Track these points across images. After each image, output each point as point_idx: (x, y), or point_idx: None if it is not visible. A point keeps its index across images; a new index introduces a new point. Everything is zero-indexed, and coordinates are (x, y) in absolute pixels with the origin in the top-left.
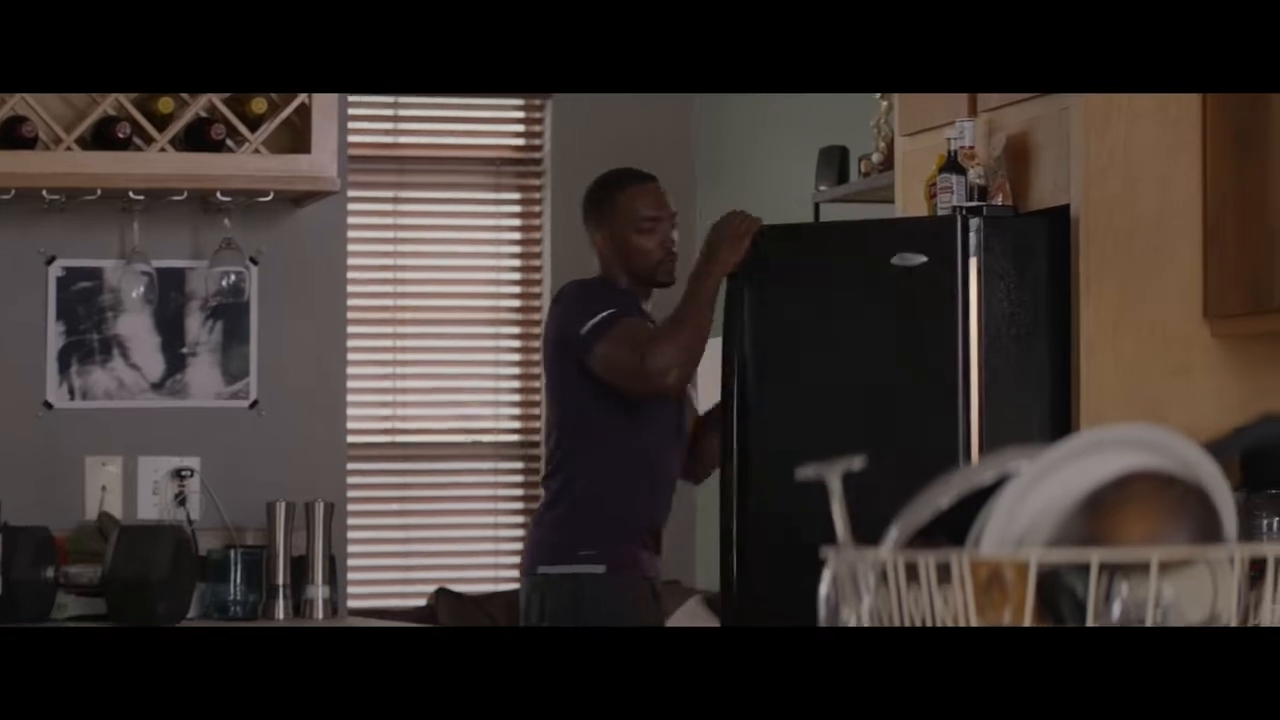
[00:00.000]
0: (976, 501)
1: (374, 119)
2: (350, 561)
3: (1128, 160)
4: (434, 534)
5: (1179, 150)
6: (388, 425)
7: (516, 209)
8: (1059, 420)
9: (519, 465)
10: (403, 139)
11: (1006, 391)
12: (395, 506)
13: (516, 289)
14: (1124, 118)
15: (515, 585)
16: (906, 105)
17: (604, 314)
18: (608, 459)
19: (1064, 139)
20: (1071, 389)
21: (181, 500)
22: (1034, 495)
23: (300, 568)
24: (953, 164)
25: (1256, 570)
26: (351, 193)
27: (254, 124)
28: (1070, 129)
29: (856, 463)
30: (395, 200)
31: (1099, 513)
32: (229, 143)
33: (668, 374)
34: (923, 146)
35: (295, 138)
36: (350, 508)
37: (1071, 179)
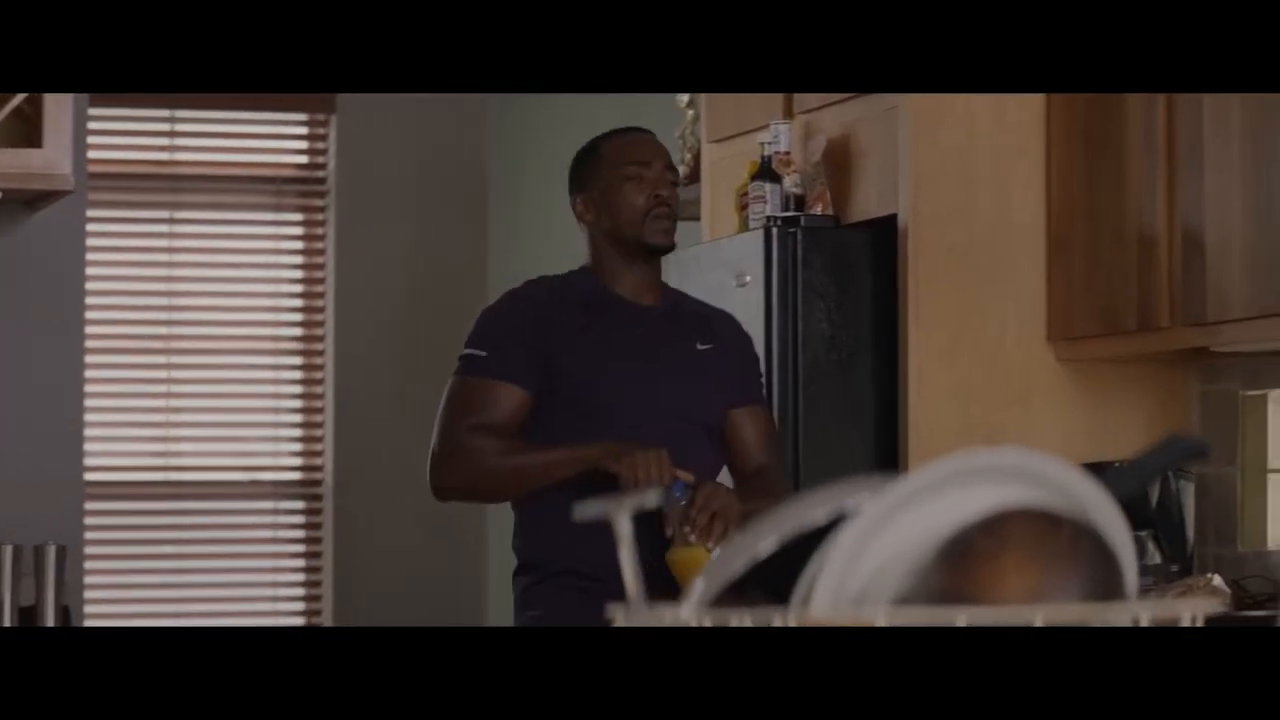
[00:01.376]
0: (805, 547)
1: (150, 134)
2: (115, 609)
3: (962, 166)
4: (209, 577)
5: (1020, 154)
6: (161, 462)
7: (299, 230)
8: (884, 454)
9: (300, 505)
10: (180, 155)
11: (825, 422)
12: (171, 549)
13: (298, 316)
14: (958, 119)
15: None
16: (714, 108)
17: (468, 350)
18: None
19: (890, 142)
20: (899, 419)
21: None
22: (880, 540)
23: (28, 619)
24: (766, 171)
25: None
26: (126, 213)
27: None
28: (898, 131)
29: (651, 498)
30: (171, 220)
31: (965, 562)
32: None
33: (441, 491)
34: (733, 154)
35: (29, 131)
36: (119, 550)
37: (899, 186)
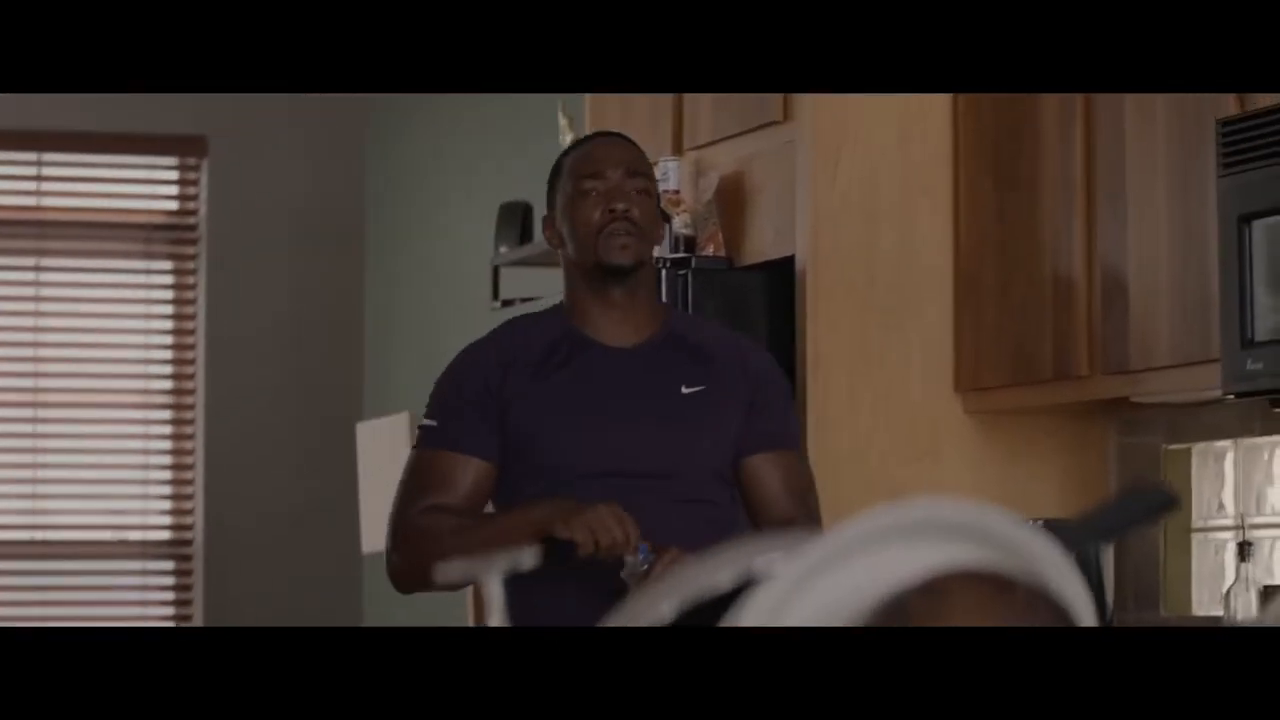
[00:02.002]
0: (708, 614)
1: (15, 178)
2: None
3: (864, 203)
4: None
5: (925, 191)
6: (26, 520)
7: (169, 279)
8: None
9: (169, 565)
10: (46, 200)
11: None
12: (35, 611)
13: (168, 368)
14: (859, 152)
15: None
16: None
17: (424, 421)
18: None
19: (787, 178)
20: None
21: None
22: (797, 607)
23: None
24: None
25: None
26: None
27: None
28: (795, 167)
29: (527, 559)
30: (37, 269)
31: None
32: None
33: (398, 582)
34: None
35: None
36: None
37: (796, 225)
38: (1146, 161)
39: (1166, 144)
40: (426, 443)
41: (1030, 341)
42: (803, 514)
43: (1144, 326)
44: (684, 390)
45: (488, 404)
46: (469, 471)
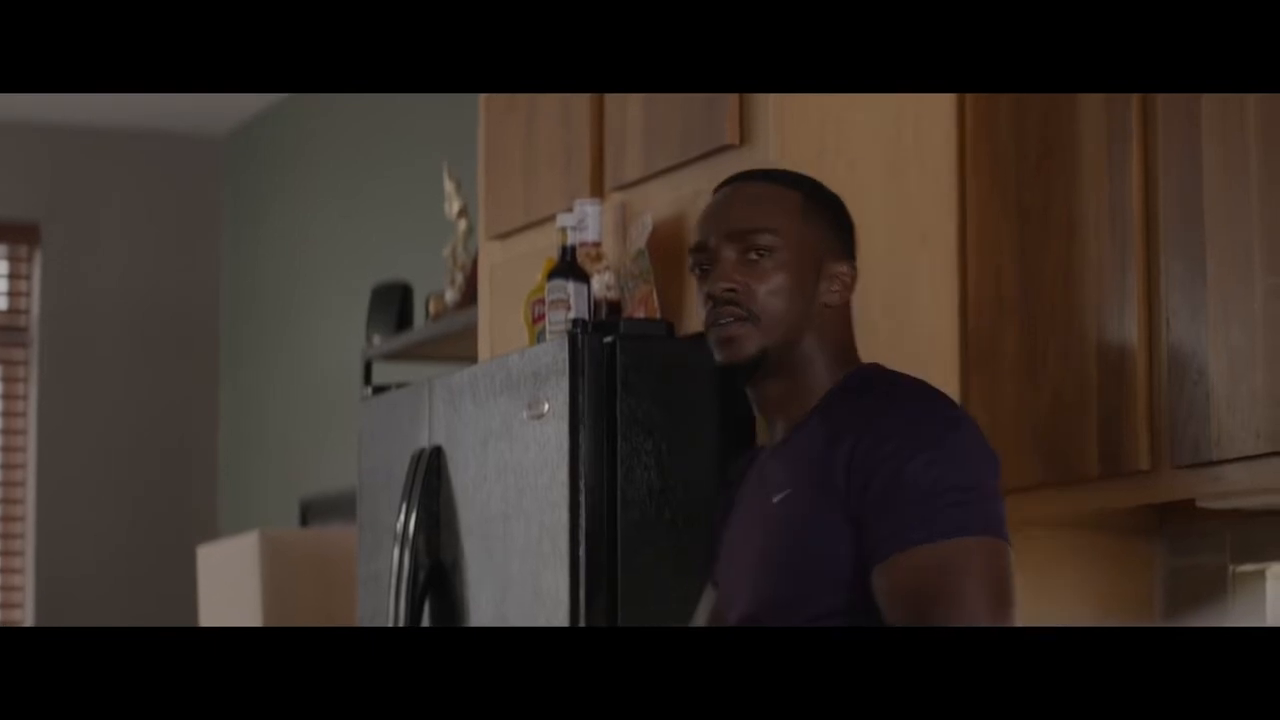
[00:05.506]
0: None
1: None
2: None
3: None
4: None
5: (924, 236)
6: None
7: None
8: None
9: None
10: None
11: (654, 606)
12: None
13: None
14: (837, 185)
15: None
16: (495, 193)
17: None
18: None
19: None
20: None
21: None
22: None
23: None
24: (568, 267)
25: None
26: None
27: None
28: None
29: None
30: None
31: None
32: None
33: None
34: (522, 253)
35: None
36: None
37: None
38: (1232, 188)
39: (1262, 164)
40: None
41: (1067, 429)
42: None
43: (1225, 407)
44: (774, 499)
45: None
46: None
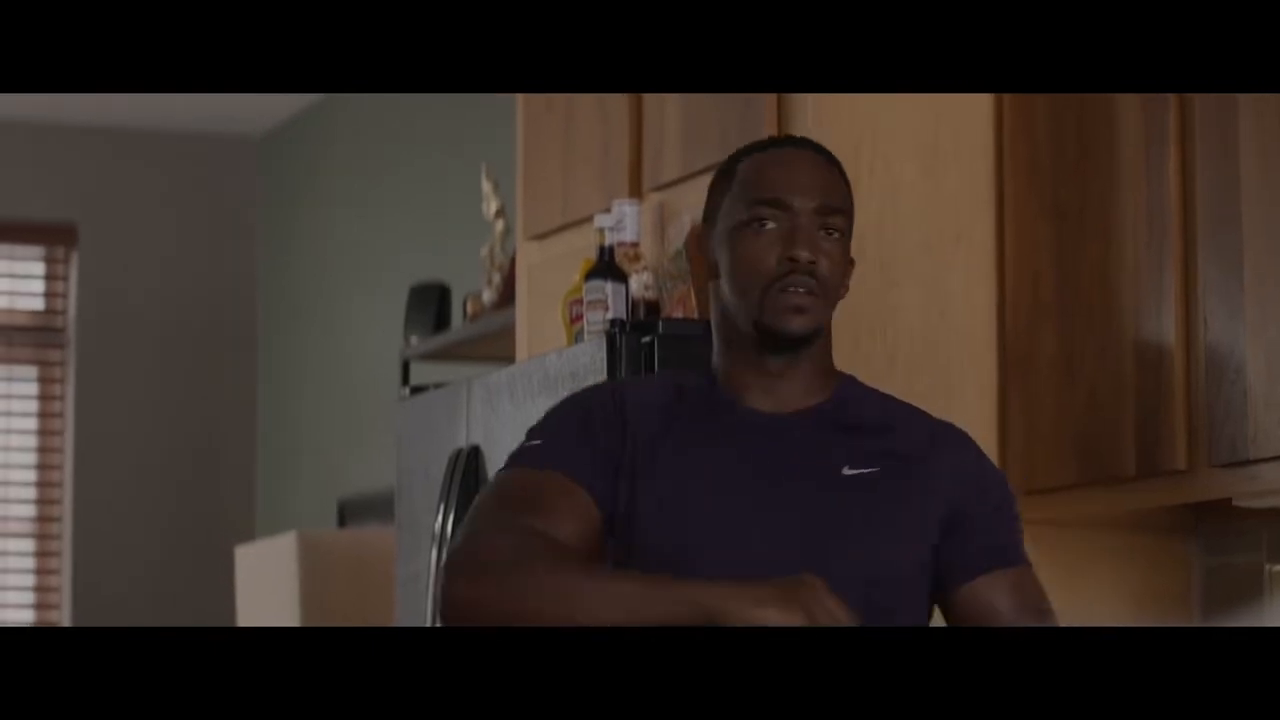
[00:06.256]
0: None
1: None
2: None
3: (880, 253)
4: None
5: (961, 236)
6: None
7: (34, 387)
8: None
9: None
10: None
11: None
12: None
13: (31, 491)
14: (874, 186)
15: None
16: (533, 193)
17: (530, 441)
18: None
19: None
20: None
21: None
22: None
23: None
24: (606, 267)
25: None
26: None
27: None
28: None
29: None
30: None
31: None
32: None
33: (447, 605)
34: (560, 253)
35: None
36: None
37: None
38: (1269, 188)
39: None
40: (526, 461)
41: (1104, 430)
42: None
43: (1263, 406)
44: (846, 472)
45: (600, 445)
46: (579, 505)
